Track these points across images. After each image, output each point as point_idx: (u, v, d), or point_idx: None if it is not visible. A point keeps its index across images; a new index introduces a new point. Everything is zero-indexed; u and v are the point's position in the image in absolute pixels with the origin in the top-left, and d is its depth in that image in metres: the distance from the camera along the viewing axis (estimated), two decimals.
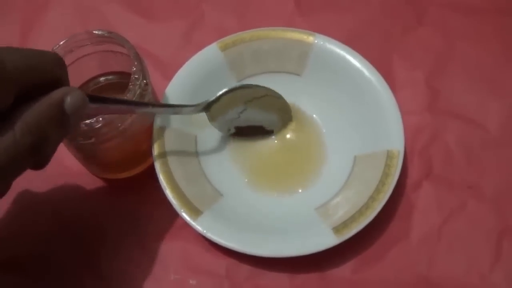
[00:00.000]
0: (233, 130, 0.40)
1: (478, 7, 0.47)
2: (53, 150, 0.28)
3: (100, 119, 0.32)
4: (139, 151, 0.38)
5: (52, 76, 0.28)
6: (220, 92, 0.38)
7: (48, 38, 0.44)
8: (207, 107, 0.38)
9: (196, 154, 0.39)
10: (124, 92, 0.33)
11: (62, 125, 0.27)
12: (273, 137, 0.41)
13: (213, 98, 0.38)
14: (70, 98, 0.27)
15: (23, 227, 0.38)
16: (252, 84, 0.39)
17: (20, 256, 0.37)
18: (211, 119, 0.39)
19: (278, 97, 0.40)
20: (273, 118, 0.41)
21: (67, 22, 0.47)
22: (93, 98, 0.29)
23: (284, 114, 0.41)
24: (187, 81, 0.40)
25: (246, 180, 0.39)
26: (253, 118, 0.40)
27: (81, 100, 0.27)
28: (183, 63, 0.40)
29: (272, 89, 0.40)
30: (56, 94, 0.27)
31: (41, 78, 0.27)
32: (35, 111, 0.26)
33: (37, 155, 0.26)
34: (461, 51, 0.45)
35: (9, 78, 0.25)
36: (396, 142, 0.37)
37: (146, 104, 0.35)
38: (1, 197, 0.26)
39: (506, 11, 0.47)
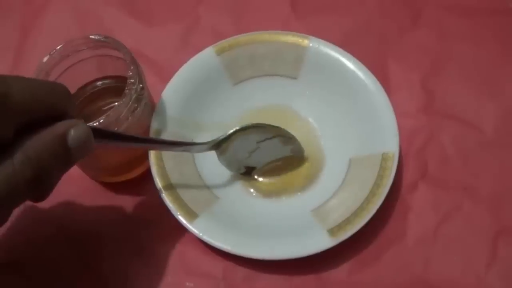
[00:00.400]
0: (243, 170, 0.40)
1: (474, 8, 0.47)
2: (54, 183, 0.27)
3: (96, 124, 0.32)
4: (136, 155, 0.38)
5: (59, 109, 0.27)
6: (231, 131, 0.37)
7: (46, 42, 0.45)
8: (217, 145, 0.37)
9: (192, 157, 0.39)
10: (120, 96, 0.33)
11: (64, 159, 0.26)
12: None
13: (223, 136, 0.37)
14: (74, 132, 0.26)
15: (22, 231, 0.38)
16: (265, 124, 0.38)
17: (20, 259, 0.37)
18: (221, 157, 0.38)
19: (291, 137, 0.39)
20: (285, 158, 0.40)
21: (64, 26, 0.47)
22: (99, 133, 0.29)
23: (297, 154, 0.40)
24: (183, 84, 0.40)
25: (242, 182, 0.39)
26: (264, 158, 0.39)
27: (85, 135, 0.27)
28: (180, 66, 0.40)
29: (285, 129, 0.39)
30: (60, 127, 0.26)
31: (47, 111, 0.26)
32: (37, 144, 0.25)
33: (36, 188, 0.25)
34: (456, 52, 0.45)
35: (14, 110, 0.24)
36: (390, 144, 0.37)
37: (154, 141, 0.35)
38: (0, 226, 0.26)
39: (501, 12, 0.47)
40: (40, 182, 0.25)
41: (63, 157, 0.26)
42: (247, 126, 0.38)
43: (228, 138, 0.37)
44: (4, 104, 0.24)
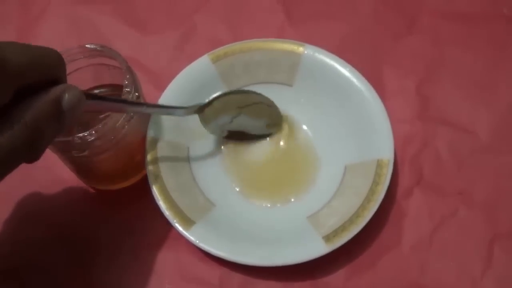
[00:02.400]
0: (225, 133, 0.41)
1: (468, 14, 0.47)
2: (47, 145, 0.28)
3: (93, 132, 0.33)
4: (133, 163, 0.38)
5: (53, 74, 0.28)
6: (213, 96, 0.39)
7: None
8: (199, 110, 0.38)
9: (189, 165, 0.39)
10: None
11: (58, 121, 0.27)
12: (265, 146, 0.41)
13: (205, 101, 0.38)
14: (68, 95, 0.27)
15: (18, 238, 0.38)
16: (245, 90, 0.40)
17: (16, 267, 0.37)
18: (204, 122, 0.39)
19: (270, 104, 0.41)
20: (264, 125, 0.41)
21: (61, 35, 0.47)
22: (90, 96, 0.30)
23: (275, 121, 0.41)
24: (179, 93, 0.40)
25: (238, 189, 0.40)
26: (245, 124, 0.41)
27: (78, 97, 0.28)
28: (176, 74, 0.41)
29: (265, 96, 0.40)
30: (55, 91, 0.27)
31: (42, 75, 0.27)
32: (34, 107, 0.26)
33: (32, 150, 0.26)
34: (451, 58, 0.45)
35: (10, 75, 0.25)
36: (385, 151, 0.37)
37: (140, 104, 0.36)
38: None
39: (495, 18, 0.47)
40: (35, 144, 0.26)
41: (57, 119, 0.27)
42: (228, 92, 0.39)
43: (210, 103, 0.39)
44: (2, 68, 0.24)
